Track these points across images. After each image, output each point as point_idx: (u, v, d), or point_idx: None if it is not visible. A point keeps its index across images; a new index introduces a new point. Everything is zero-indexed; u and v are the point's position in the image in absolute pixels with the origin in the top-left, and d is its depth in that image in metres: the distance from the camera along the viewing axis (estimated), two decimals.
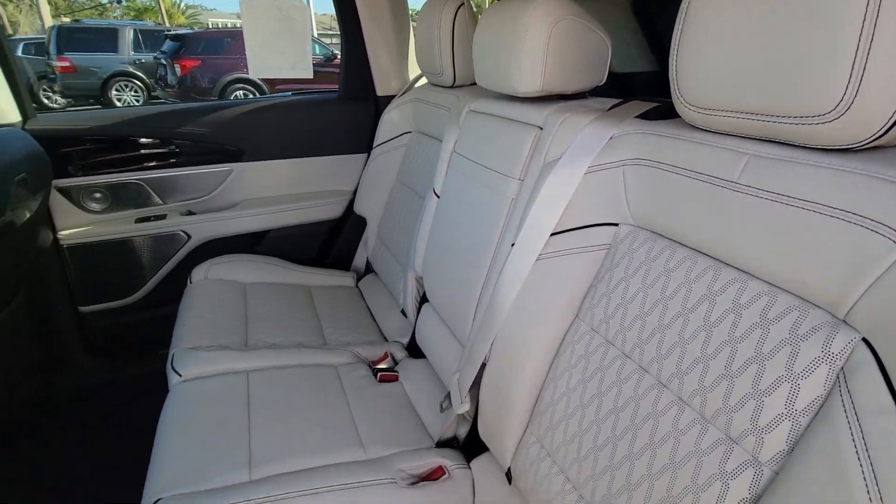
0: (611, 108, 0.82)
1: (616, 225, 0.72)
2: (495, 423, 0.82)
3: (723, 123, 0.57)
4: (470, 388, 0.90)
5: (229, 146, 1.58)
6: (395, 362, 1.23)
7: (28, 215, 1.17)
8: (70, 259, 1.45)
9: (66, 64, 8.16)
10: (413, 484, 0.86)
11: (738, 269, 0.55)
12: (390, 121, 1.58)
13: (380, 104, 1.69)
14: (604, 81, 0.92)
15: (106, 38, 8.45)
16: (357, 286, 1.64)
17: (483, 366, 0.86)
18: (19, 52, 8.61)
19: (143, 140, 1.50)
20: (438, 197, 1.18)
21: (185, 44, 7.86)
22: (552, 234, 0.77)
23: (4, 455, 1.13)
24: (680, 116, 0.63)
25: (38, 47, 8.53)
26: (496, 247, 0.92)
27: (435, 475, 0.89)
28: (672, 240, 0.63)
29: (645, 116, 0.74)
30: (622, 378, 0.63)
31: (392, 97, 1.62)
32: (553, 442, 0.71)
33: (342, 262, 1.77)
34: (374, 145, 1.63)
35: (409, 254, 1.26)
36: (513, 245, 0.82)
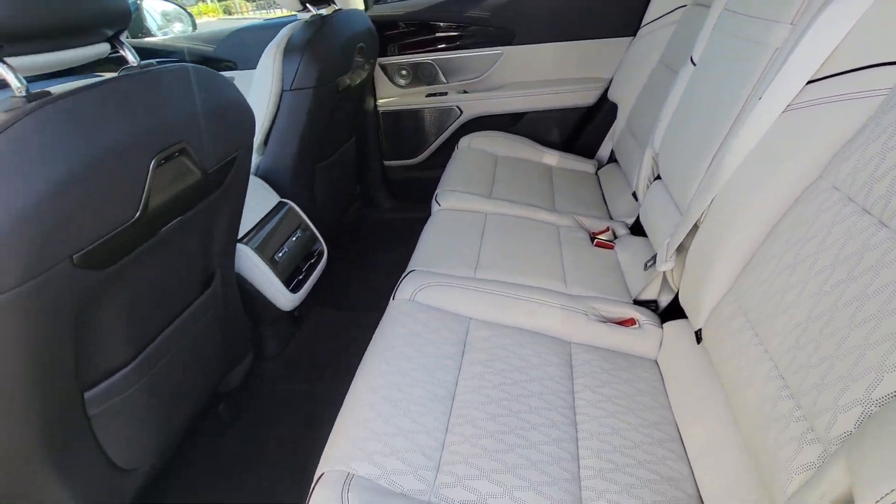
0: None
1: None
2: (697, 282, 0.82)
3: None
4: (679, 252, 0.90)
5: (504, 27, 1.75)
6: (615, 237, 1.28)
7: (358, 81, 1.61)
8: (383, 121, 1.93)
9: None
10: (603, 322, 0.96)
11: None
12: None
13: None
14: None
15: None
16: (596, 174, 1.68)
17: (696, 228, 0.85)
18: None
19: (438, 24, 1.80)
20: (695, 65, 1.09)
21: None
22: (810, 82, 0.67)
23: (335, 254, 1.72)
24: None
25: None
26: (742, 106, 0.84)
27: (626, 323, 0.96)
28: None
29: None
30: (852, 233, 0.56)
31: None
32: (752, 299, 0.69)
33: (588, 150, 1.81)
34: (643, 24, 1.55)
35: (652, 132, 1.23)
36: (760, 99, 0.74)
